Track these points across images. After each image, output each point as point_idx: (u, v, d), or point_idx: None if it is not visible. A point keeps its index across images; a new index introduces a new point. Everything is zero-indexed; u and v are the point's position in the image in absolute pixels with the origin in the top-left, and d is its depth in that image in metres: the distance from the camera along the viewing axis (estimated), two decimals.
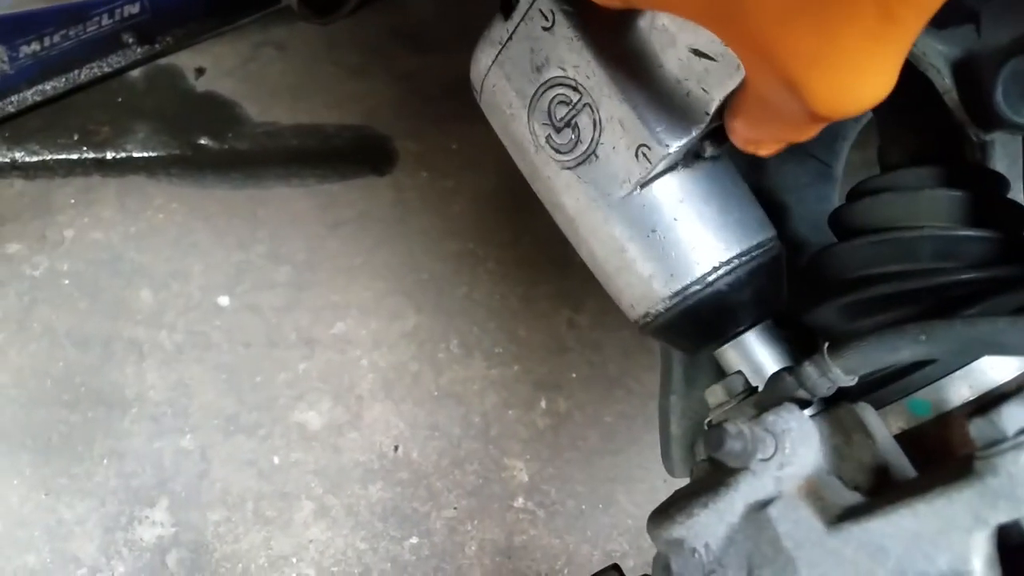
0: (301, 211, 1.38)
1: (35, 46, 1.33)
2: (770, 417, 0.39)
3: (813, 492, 0.38)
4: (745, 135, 0.45)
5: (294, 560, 1.19)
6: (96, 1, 1.32)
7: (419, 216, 1.41)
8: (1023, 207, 0.59)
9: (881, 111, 0.60)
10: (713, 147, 0.53)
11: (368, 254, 1.37)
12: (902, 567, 0.33)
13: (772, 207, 0.80)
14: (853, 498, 0.38)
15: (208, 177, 1.37)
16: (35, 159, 1.36)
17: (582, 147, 0.54)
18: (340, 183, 1.41)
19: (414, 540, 1.22)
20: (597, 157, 0.54)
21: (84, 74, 1.38)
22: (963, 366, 0.51)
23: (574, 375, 1.36)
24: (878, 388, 0.55)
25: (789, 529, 0.36)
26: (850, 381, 0.43)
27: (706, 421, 0.51)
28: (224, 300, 1.31)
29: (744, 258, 0.55)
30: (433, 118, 1.45)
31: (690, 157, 0.53)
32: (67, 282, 1.28)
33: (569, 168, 0.55)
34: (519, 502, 1.27)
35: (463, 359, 1.34)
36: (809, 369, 0.43)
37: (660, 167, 0.52)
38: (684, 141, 0.50)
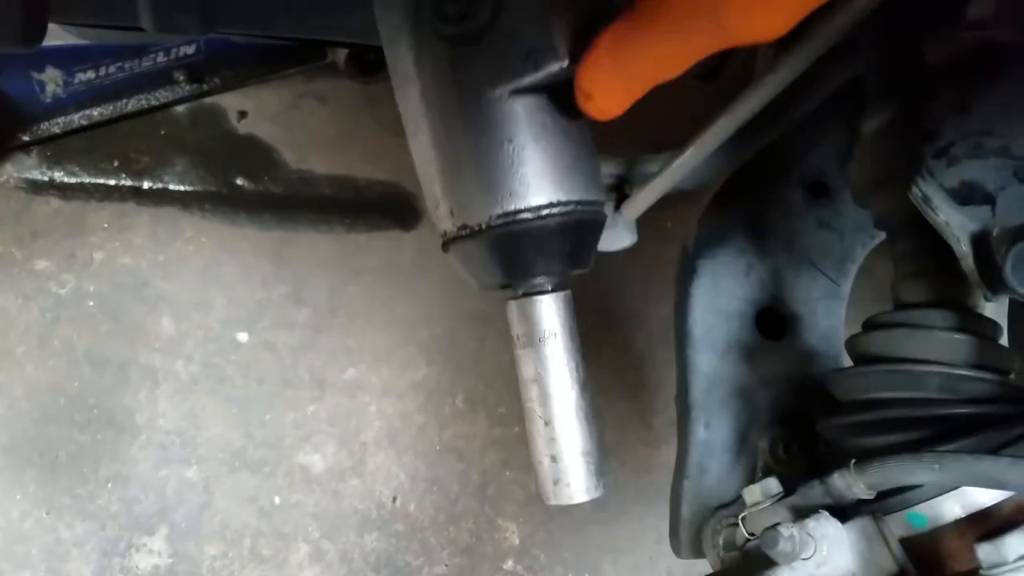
0: (326, 257, 1.43)
1: (90, 74, 1.39)
2: (811, 523, 0.45)
3: None
4: (609, 75, 0.45)
5: None
6: (155, 41, 1.39)
7: (438, 273, 1.47)
8: (1011, 352, 0.66)
9: (901, 254, 0.67)
10: None
11: (386, 304, 1.42)
12: None
13: (786, 317, 0.88)
14: None
15: (240, 216, 1.42)
16: (73, 180, 1.40)
17: (472, 23, 0.49)
18: (366, 234, 1.46)
19: None
20: (481, 41, 0.49)
21: (132, 104, 1.44)
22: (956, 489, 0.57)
23: None
24: (884, 499, 0.61)
25: None
26: (870, 495, 0.49)
27: (740, 516, 0.56)
28: (243, 336, 1.34)
29: (581, 207, 0.54)
30: None
31: (567, 88, 0.50)
32: (91, 303, 1.32)
33: (446, 41, 0.50)
34: (509, 564, 1.30)
35: (468, 415, 1.38)
36: (838, 482, 0.49)
37: (541, 80, 0.49)
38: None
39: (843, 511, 0.55)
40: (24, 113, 1.37)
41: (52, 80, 1.37)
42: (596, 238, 0.58)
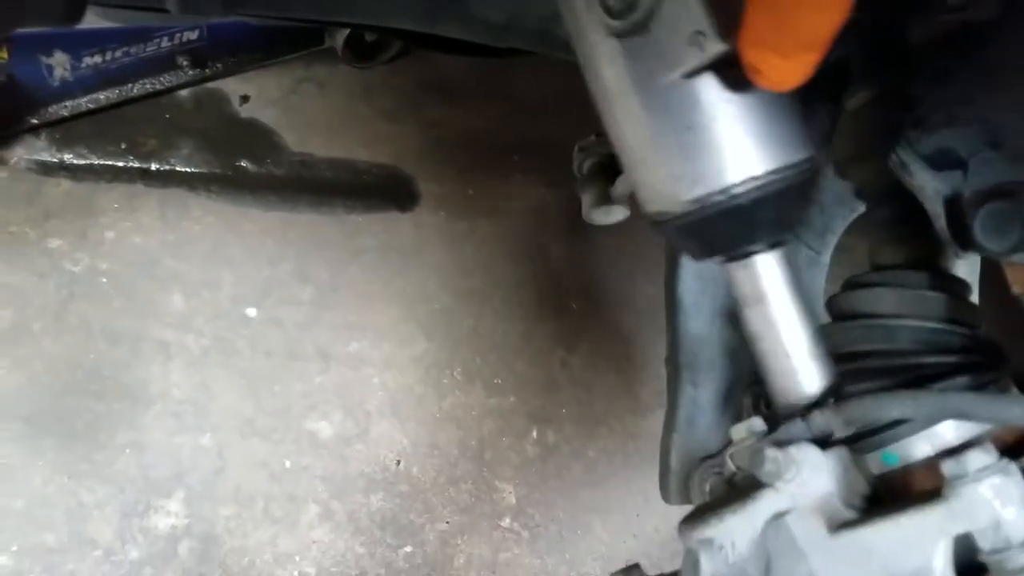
0: (328, 237, 1.49)
1: (97, 58, 1.44)
2: (793, 449, 0.53)
3: (821, 508, 0.52)
4: (770, 45, 0.44)
5: (297, 559, 1.28)
6: (160, 25, 1.44)
7: (435, 252, 1.54)
8: (977, 308, 0.75)
9: (879, 221, 0.76)
10: None
11: (386, 282, 1.49)
12: (884, 565, 0.47)
13: None
14: (850, 514, 0.52)
15: (245, 197, 1.48)
16: (83, 162, 1.45)
17: (636, 15, 0.50)
18: (365, 215, 1.53)
19: (408, 549, 1.33)
20: (649, 31, 0.50)
21: (137, 88, 1.50)
22: (926, 429, 0.66)
23: (564, 411, 1.49)
24: (861, 440, 0.70)
25: (801, 533, 0.50)
26: (849, 431, 0.57)
27: (728, 452, 0.64)
28: (251, 311, 1.41)
29: (776, 176, 0.53)
30: (455, 165, 1.60)
31: (738, 64, 0.49)
32: (104, 280, 1.37)
33: (617, 36, 0.52)
34: (506, 522, 1.39)
35: (465, 386, 1.46)
36: (819, 419, 0.58)
37: (711, 59, 0.48)
38: None
39: (823, 446, 0.63)
40: (34, 97, 1.41)
41: (60, 64, 1.42)
42: (803, 199, 0.57)
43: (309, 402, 1.38)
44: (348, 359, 1.42)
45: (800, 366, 0.59)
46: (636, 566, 0.68)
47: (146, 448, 1.29)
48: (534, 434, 1.46)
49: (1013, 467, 0.47)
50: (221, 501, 1.28)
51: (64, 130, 1.45)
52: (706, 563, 0.56)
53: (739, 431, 0.63)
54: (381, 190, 1.56)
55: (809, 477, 0.52)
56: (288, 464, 1.33)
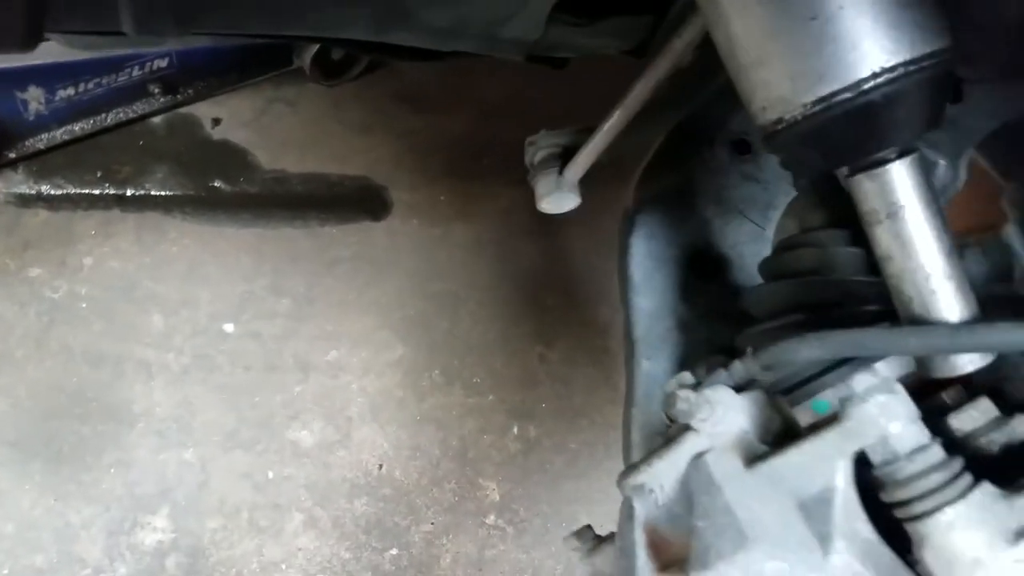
0: (302, 250, 1.52)
1: (70, 91, 1.48)
2: (707, 391, 0.55)
3: (737, 446, 0.54)
4: None
5: (283, 567, 1.29)
6: (131, 55, 1.48)
7: (409, 259, 1.57)
8: None
9: (804, 188, 0.78)
10: None
11: (361, 291, 1.52)
12: (792, 489, 0.49)
13: (717, 259, 0.99)
14: (763, 449, 0.54)
15: (220, 216, 1.51)
16: (59, 192, 1.49)
17: None
18: (339, 227, 1.56)
19: (394, 551, 1.34)
20: None
21: (111, 118, 1.54)
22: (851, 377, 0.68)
23: (544, 405, 1.50)
24: (793, 391, 0.72)
25: (719, 469, 0.52)
26: (769, 376, 0.59)
27: (662, 404, 0.66)
28: (229, 327, 1.43)
29: (912, 67, 0.47)
30: (426, 173, 1.63)
31: None
32: (84, 305, 1.40)
33: None
34: (491, 519, 1.40)
35: (444, 388, 1.48)
36: (739, 367, 0.59)
37: None
38: None
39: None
40: (10, 131, 1.45)
41: (35, 98, 1.46)
42: (940, 96, 0.51)
43: (290, 412, 1.40)
44: (327, 368, 1.44)
45: (939, 287, 0.53)
46: (587, 527, 0.70)
47: (131, 466, 1.31)
48: (515, 430, 1.47)
49: (898, 386, 0.48)
50: (206, 514, 1.30)
51: (41, 162, 1.49)
52: (639, 508, 0.58)
53: (670, 385, 0.64)
54: (354, 201, 1.59)
55: (724, 416, 0.54)
56: (271, 474, 1.35)
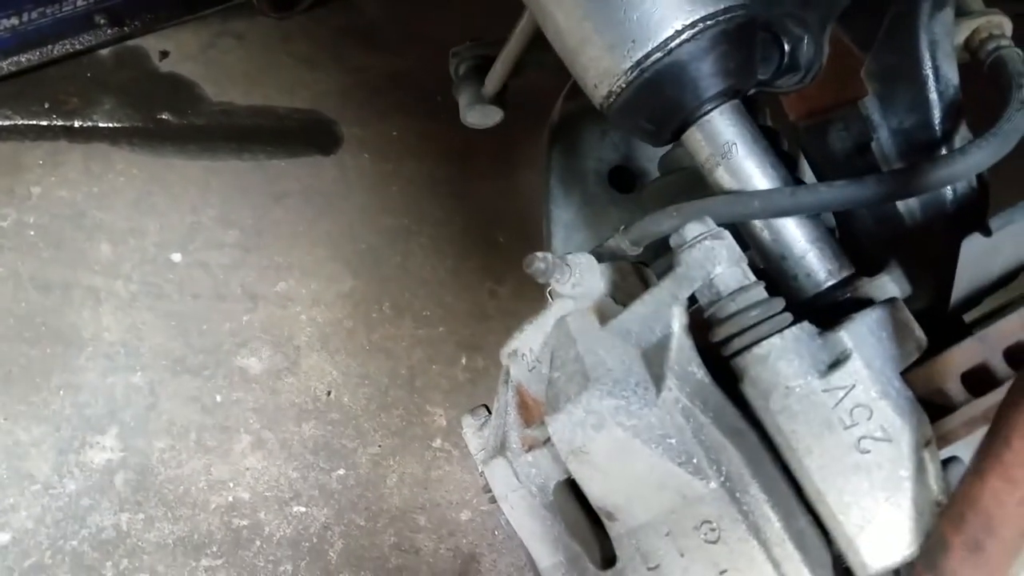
0: (250, 182, 1.53)
1: (13, 20, 1.47)
2: (569, 256, 0.58)
3: (597, 308, 0.56)
4: None
5: (231, 485, 1.33)
6: None
7: (359, 193, 1.58)
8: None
9: None
10: None
11: (310, 224, 1.53)
12: (638, 339, 0.52)
13: (635, 172, 1.01)
14: (621, 310, 0.56)
15: (167, 148, 1.52)
16: (7, 123, 1.49)
17: None
18: (288, 160, 1.57)
19: (341, 472, 1.38)
20: None
21: (57, 49, 1.53)
22: None
23: (493, 338, 1.53)
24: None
25: (576, 326, 0.54)
26: (637, 251, 0.61)
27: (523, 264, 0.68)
28: (177, 256, 1.45)
29: (708, 22, 0.53)
30: (377, 108, 1.63)
31: None
32: (32, 233, 1.41)
33: None
34: (437, 443, 1.43)
35: (394, 319, 1.50)
36: (611, 243, 0.62)
37: None
38: None
39: None
40: None
41: None
42: (743, 46, 0.57)
43: (238, 340, 1.42)
44: (275, 298, 1.46)
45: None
46: (483, 406, 0.73)
47: (80, 388, 1.33)
48: (463, 360, 1.50)
49: (725, 232, 0.51)
50: (155, 435, 1.33)
51: None
52: (514, 371, 0.61)
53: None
54: (303, 135, 1.60)
55: (582, 278, 0.56)
56: (219, 398, 1.37)
